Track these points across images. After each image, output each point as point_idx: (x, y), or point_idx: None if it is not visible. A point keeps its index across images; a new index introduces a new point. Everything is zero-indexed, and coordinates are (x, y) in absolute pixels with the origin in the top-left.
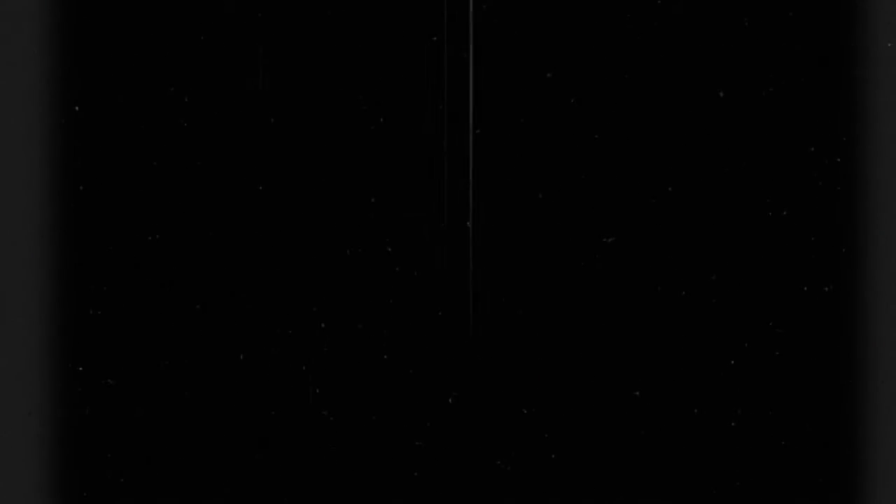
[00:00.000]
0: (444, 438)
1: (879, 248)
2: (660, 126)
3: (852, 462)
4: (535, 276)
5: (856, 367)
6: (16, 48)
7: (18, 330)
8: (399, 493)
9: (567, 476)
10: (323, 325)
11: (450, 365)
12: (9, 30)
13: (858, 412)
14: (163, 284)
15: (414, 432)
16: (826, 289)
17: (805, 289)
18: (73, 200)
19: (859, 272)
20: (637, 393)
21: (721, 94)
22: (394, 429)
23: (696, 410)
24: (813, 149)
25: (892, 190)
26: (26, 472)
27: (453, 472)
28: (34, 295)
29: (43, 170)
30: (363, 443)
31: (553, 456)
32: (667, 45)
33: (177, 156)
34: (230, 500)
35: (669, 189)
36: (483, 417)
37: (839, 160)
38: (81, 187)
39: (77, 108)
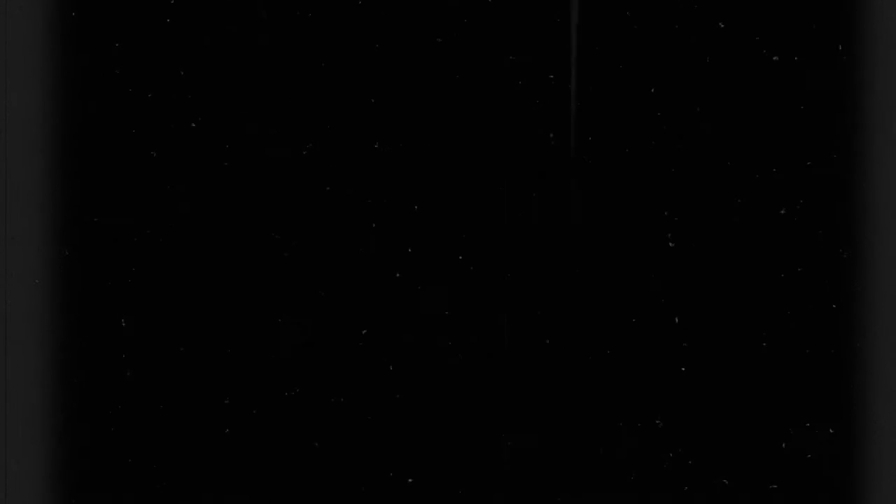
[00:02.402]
0: None
1: (885, 249)
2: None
3: (852, 463)
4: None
5: (855, 367)
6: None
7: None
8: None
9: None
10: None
11: None
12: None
13: (857, 413)
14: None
15: None
16: (827, 289)
17: (807, 289)
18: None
19: (860, 272)
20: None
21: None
22: None
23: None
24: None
25: (893, 190)
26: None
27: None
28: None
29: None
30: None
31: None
32: None
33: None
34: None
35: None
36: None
37: (839, 161)
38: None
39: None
